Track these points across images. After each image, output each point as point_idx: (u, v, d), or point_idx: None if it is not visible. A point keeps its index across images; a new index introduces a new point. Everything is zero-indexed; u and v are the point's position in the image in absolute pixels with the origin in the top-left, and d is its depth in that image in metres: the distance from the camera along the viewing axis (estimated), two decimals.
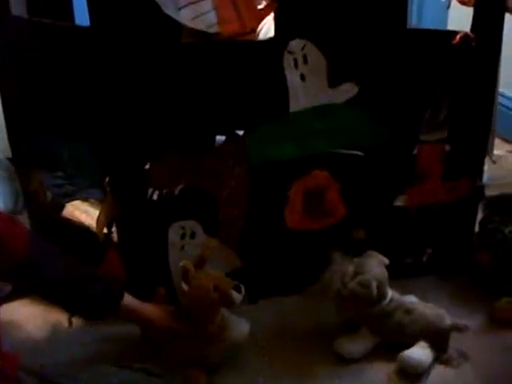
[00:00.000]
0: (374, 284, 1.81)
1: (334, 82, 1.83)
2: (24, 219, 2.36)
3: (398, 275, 2.15)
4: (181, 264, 1.72)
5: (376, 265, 1.88)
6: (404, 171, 2.02)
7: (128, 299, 1.72)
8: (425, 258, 2.20)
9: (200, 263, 1.78)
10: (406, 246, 2.17)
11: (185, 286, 1.72)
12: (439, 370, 1.82)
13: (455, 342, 1.90)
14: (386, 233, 2.11)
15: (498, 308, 2.01)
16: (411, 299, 1.95)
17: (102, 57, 1.72)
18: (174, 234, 1.93)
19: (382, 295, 1.85)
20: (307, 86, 1.81)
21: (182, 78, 1.74)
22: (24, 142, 2.07)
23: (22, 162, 2.16)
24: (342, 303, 1.84)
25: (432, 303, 2.07)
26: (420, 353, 1.81)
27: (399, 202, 2.07)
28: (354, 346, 1.86)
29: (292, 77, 1.79)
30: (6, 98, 2.06)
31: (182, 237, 1.94)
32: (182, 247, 1.95)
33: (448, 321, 1.85)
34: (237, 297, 1.76)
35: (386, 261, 1.91)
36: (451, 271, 2.20)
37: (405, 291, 2.12)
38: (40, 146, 2.02)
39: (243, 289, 1.77)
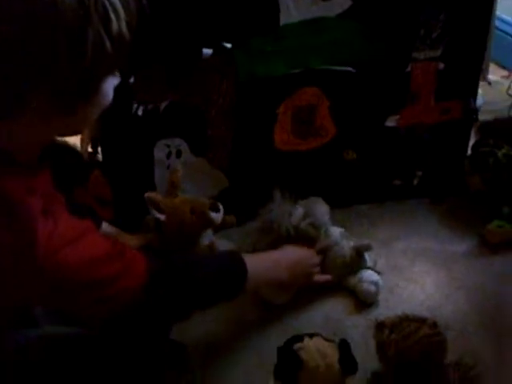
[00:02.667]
0: (324, 228, 1.80)
1: None
2: None
3: (388, 197, 2.15)
4: (145, 195, 1.67)
5: (324, 212, 1.84)
6: (396, 90, 1.97)
7: None
8: (415, 181, 2.17)
9: (172, 189, 1.74)
10: (397, 168, 2.14)
11: (160, 216, 1.68)
12: (429, 294, 1.82)
13: (445, 267, 1.90)
14: (376, 154, 2.07)
15: (488, 231, 1.99)
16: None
17: None
18: (159, 152, 1.89)
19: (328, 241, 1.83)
20: None
21: None
22: None
23: None
24: (287, 242, 1.78)
25: (422, 227, 2.07)
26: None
27: (390, 123, 2.02)
28: None
29: None
30: None
31: (168, 155, 1.90)
32: (168, 166, 1.91)
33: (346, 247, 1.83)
34: (215, 216, 1.73)
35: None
36: (442, 195, 2.18)
37: (394, 214, 2.11)
38: None
39: (221, 207, 1.74)
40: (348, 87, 1.91)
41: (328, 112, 1.94)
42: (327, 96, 1.91)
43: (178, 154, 1.90)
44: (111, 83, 1.05)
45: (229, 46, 1.77)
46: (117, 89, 1.73)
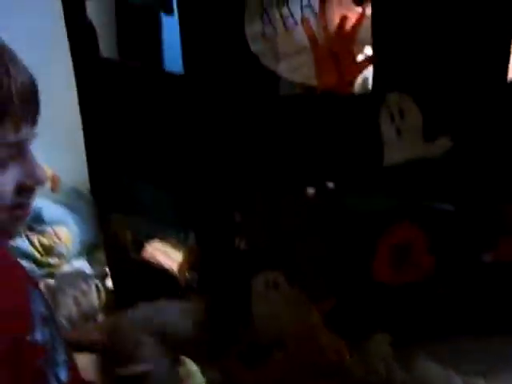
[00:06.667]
0: (382, 366, 1.75)
1: (429, 136, 1.79)
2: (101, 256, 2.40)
3: (487, 331, 2.10)
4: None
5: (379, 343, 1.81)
6: (493, 224, 1.96)
7: None
8: None
9: None
10: (498, 305, 2.09)
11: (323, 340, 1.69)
12: None
13: None
14: (473, 289, 2.04)
15: None
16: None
17: (194, 105, 1.71)
18: (258, 283, 1.91)
19: (391, 377, 1.77)
20: (403, 141, 1.78)
21: (275, 128, 1.72)
22: (106, 185, 2.07)
23: (103, 205, 2.16)
24: None
25: None
26: None
27: (487, 258, 2.00)
28: None
29: (388, 131, 1.76)
30: (90, 139, 2.06)
31: (266, 287, 1.92)
32: (266, 297, 1.93)
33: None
34: None
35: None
36: None
37: (493, 348, 2.06)
38: (123, 190, 2.02)
39: None
40: (447, 224, 1.92)
41: (426, 248, 1.94)
42: (425, 232, 1.92)
43: (276, 285, 1.92)
44: None
45: (331, 185, 1.81)
46: (222, 223, 1.81)
